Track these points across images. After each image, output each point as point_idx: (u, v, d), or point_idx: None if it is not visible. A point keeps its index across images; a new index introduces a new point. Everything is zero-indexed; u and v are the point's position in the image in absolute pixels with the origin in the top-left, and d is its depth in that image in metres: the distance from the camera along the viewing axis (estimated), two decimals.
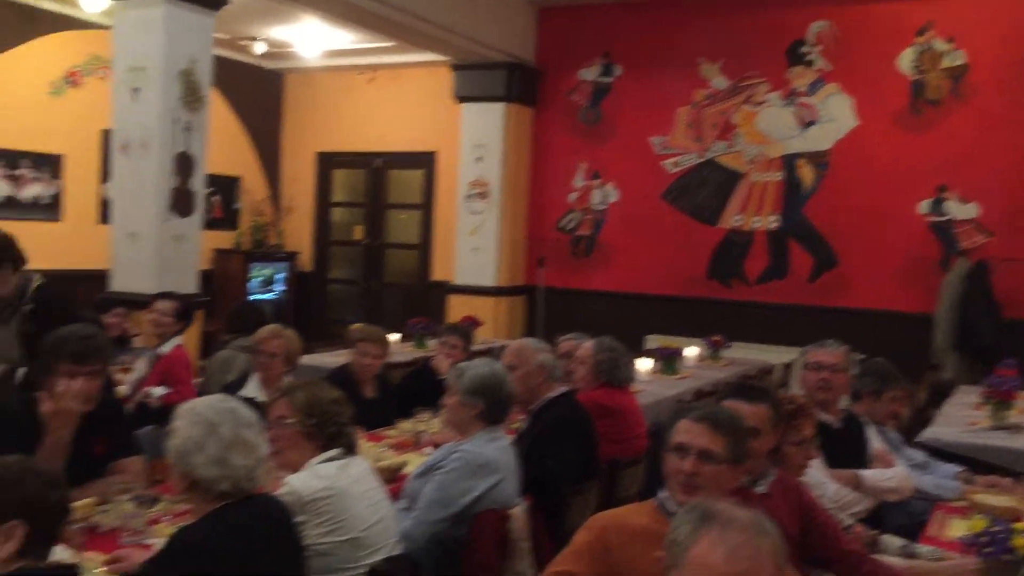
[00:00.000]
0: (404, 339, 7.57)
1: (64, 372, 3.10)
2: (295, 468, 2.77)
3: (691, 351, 7.29)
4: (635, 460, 4.20)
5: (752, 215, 8.97)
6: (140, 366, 5.40)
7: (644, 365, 6.36)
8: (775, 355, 7.96)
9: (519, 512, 3.17)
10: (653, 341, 8.09)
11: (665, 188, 9.29)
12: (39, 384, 3.18)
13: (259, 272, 10.60)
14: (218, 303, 9.07)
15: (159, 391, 5.07)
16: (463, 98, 9.66)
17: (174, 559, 2.17)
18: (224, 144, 9.84)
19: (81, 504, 2.88)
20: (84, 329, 3.28)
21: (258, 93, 11.10)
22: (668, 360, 6.64)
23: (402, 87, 10.77)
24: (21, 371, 3.86)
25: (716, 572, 1.66)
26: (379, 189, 11.22)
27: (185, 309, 5.52)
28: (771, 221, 8.90)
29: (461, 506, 3.09)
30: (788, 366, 7.56)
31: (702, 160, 9.15)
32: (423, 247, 10.87)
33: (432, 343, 6.79)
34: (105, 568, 2.54)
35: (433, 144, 10.60)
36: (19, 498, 1.94)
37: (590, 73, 9.62)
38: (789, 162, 8.80)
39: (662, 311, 9.10)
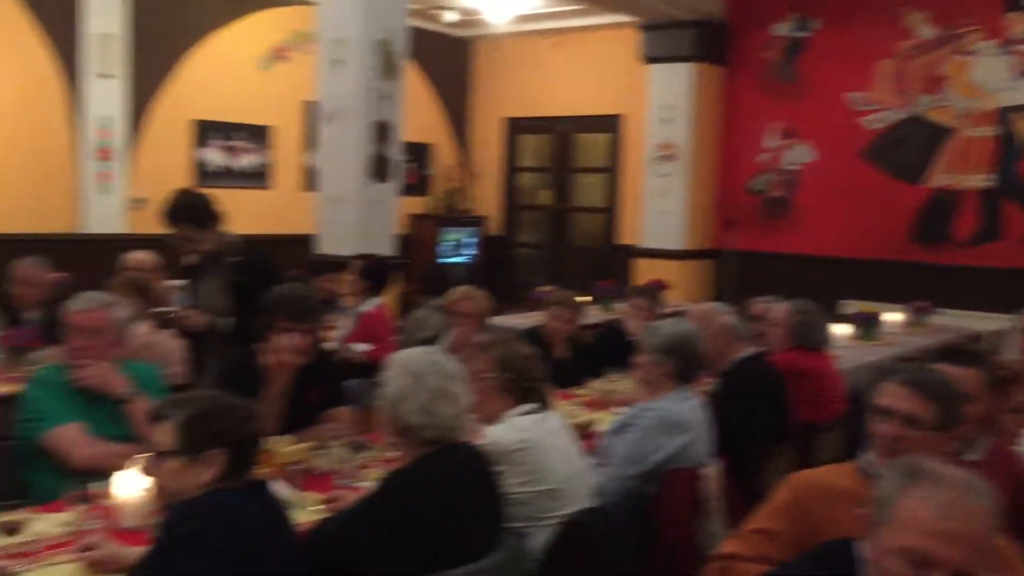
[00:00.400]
0: (591, 302, 7.62)
1: (281, 328, 3.36)
2: (492, 420, 2.88)
3: (891, 317, 6.97)
4: (831, 425, 4.09)
5: (961, 173, 8.42)
6: (344, 324, 5.73)
7: (841, 330, 6.14)
8: (984, 322, 7.48)
9: (711, 472, 3.17)
10: (850, 306, 7.78)
11: (865, 146, 8.86)
12: (255, 337, 3.46)
13: (449, 236, 10.93)
14: (413, 266, 9.44)
15: (362, 347, 5.36)
16: (651, 59, 9.54)
17: (386, 500, 2.32)
18: (416, 112, 10.16)
19: (299, 448, 3.12)
20: (299, 290, 3.56)
21: (448, 61, 11.38)
22: (867, 325, 6.38)
23: (588, 50, 10.74)
24: (224, 321, 4.21)
25: (926, 528, 1.62)
26: (565, 153, 11.28)
27: (372, 269, 5.78)
28: (983, 180, 8.32)
29: (652, 463, 3.12)
30: (1000, 333, 7.09)
31: (906, 116, 8.66)
32: (609, 210, 10.87)
33: (618, 306, 6.82)
34: (322, 506, 2.75)
35: (619, 107, 10.53)
36: (220, 429, 2.14)
37: (784, 28, 9.27)
38: (1004, 116, 8.18)
39: (859, 275, 8.71)
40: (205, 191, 4.70)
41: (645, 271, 9.24)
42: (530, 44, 11.13)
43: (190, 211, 4.22)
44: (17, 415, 3.24)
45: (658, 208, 9.59)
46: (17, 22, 7.83)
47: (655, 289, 6.03)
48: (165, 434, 2.14)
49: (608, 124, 10.75)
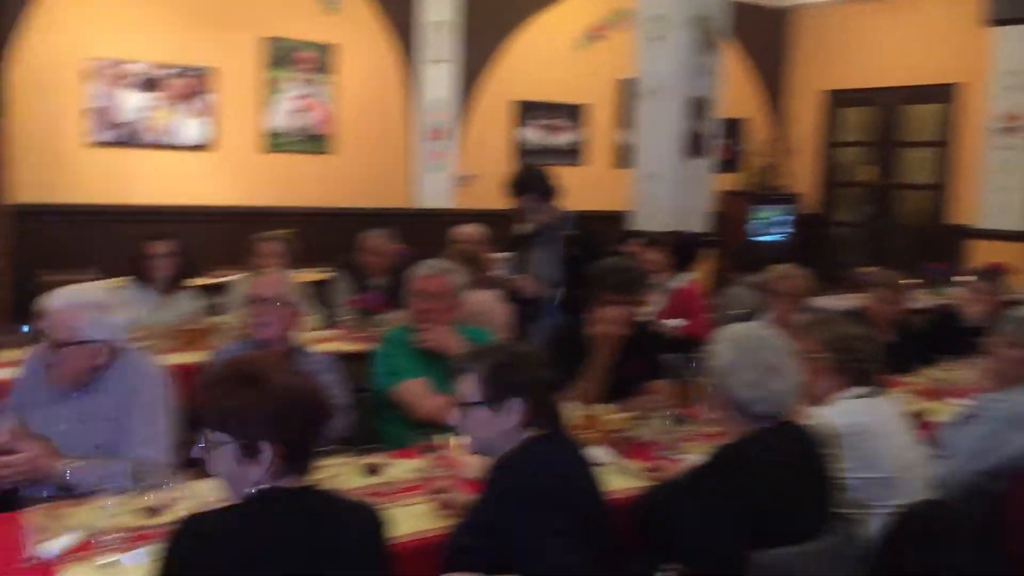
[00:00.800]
0: (920, 285, 7.11)
1: (606, 300, 3.46)
2: (821, 402, 2.79)
3: None
4: None
5: None
6: (656, 299, 5.78)
7: None
8: None
9: None
10: None
11: None
12: (583, 308, 3.59)
13: (761, 214, 10.63)
14: (723, 243, 9.30)
15: (675, 322, 5.38)
16: (997, 21, 8.64)
17: (715, 473, 2.32)
18: (731, 86, 9.97)
19: (621, 417, 3.21)
20: (623, 263, 3.65)
21: (765, 33, 11.03)
22: None
23: (919, 15, 9.96)
24: (553, 291, 4.39)
25: None
26: (890, 126, 10.57)
27: (682, 245, 5.76)
28: None
29: (1001, 459, 2.88)
30: None
31: None
32: (939, 187, 10.06)
33: (950, 290, 6.32)
34: (645, 474, 2.82)
35: (953, 75, 9.69)
36: (518, 379, 2.24)
37: None
38: None
39: None
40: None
41: (981, 253, 8.46)
42: (854, 11, 10.51)
43: (533, 183, 4.49)
44: (369, 370, 3.61)
45: (1000, 185, 8.71)
46: (363, 14, 8.60)
47: (997, 273, 5.52)
48: (468, 386, 2.29)
49: (940, 94, 9.93)
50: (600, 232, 4.72)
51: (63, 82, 7.29)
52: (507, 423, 2.24)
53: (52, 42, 7.19)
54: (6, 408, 2.84)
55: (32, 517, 2.29)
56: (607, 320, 3.40)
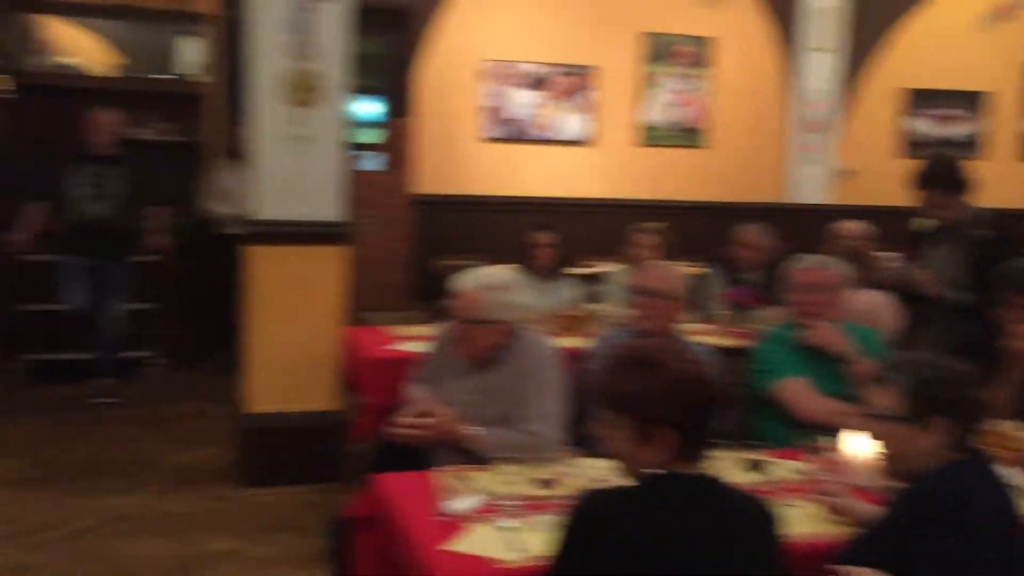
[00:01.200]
0: None
1: (1015, 305, 3.11)
2: None
3: None
4: None
5: None
6: None
7: None
8: None
9: None
10: None
11: None
12: (991, 315, 3.25)
13: None
14: None
15: None
16: None
17: None
18: None
19: None
20: None
21: None
22: None
23: None
24: (956, 294, 4.02)
25: None
26: None
27: None
28: None
29: None
30: None
31: None
32: None
33: None
34: None
35: None
36: (943, 397, 2.04)
37: None
38: None
39: None
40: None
41: None
42: None
43: (942, 176, 4.17)
44: (743, 365, 3.56)
45: None
46: (742, 5, 8.45)
47: None
48: (887, 398, 2.14)
49: None
50: (1019, 232, 4.26)
51: (461, 82, 7.94)
52: (928, 442, 2.08)
53: (454, 46, 7.85)
54: (419, 378, 3.17)
55: (441, 477, 2.52)
56: (1018, 333, 3.05)
